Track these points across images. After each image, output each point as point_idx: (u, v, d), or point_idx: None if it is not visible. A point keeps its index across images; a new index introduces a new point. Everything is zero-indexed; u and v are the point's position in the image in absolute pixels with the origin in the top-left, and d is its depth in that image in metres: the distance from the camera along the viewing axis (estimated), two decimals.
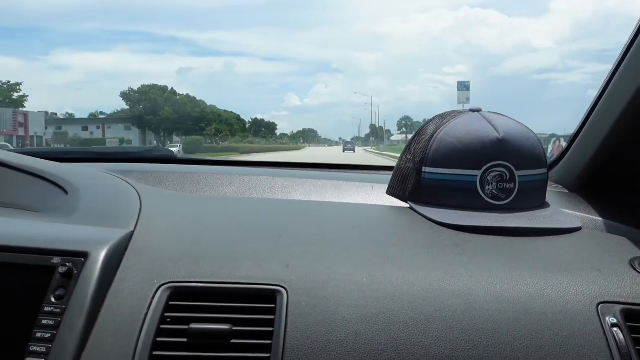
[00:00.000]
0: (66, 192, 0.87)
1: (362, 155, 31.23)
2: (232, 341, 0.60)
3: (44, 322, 0.60)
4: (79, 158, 1.33)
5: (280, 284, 0.64)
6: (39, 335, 0.60)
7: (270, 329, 0.61)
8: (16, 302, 0.63)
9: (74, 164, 1.14)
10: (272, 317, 0.62)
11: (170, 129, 53.21)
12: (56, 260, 0.65)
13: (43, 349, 0.59)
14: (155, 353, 0.59)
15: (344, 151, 44.48)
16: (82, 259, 0.65)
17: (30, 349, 0.59)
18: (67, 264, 0.64)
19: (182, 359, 0.59)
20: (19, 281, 0.65)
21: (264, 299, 0.63)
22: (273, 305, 0.63)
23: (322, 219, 0.88)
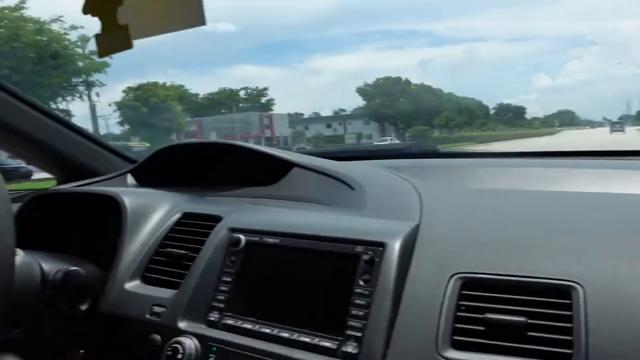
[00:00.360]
0: (352, 188, 0.98)
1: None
2: (529, 334, 0.61)
3: (356, 301, 0.71)
4: (349, 157, 1.47)
5: (574, 280, 0.63)
6: (354, 312, 0.70)
7: (569, 325, 0.60)
8: (330, 283, 0.75)
9: (349, 162, 1.27)
10: (569, 313, 0.61)
11: (408, 120, 53.86)
12: (359, 249, 0.75)
13: (359, 324, 0.69)
14: (455, 338, 0.64)
15: (610, 132, 38.65)
16: (381, 249, 0.74)
17: (349, 323, 0.70)
18: (369, 253, 0.73)
19: (480, 345, 0.63)
20: (331, 266, 0.76)
21: (558, 294, 0.63)
22: (569, 302, 0.61)
23: (609, 211, 0.82)
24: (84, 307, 0.88)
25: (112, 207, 1.02)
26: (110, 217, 1.07)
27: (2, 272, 0.66)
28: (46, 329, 0.86)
